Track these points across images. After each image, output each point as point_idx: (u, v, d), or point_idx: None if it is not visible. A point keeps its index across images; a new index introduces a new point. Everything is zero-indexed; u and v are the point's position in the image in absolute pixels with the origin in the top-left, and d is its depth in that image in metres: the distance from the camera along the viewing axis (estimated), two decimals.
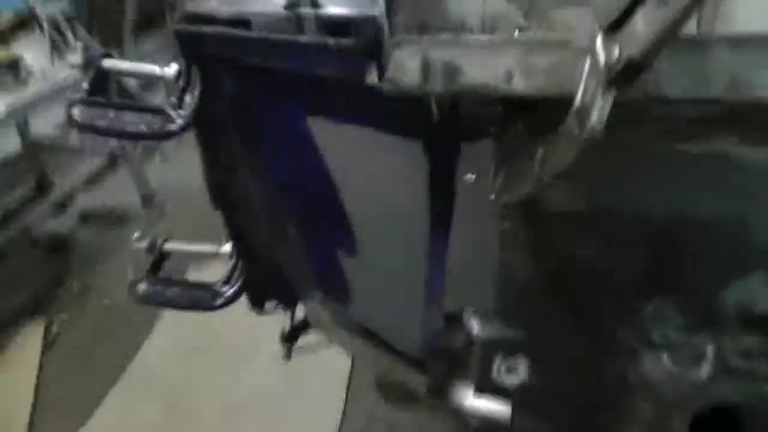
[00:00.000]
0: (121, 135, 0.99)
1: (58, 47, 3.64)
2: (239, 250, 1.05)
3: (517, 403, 1.04)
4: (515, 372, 1.02)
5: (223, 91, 0.91)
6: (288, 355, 1.34)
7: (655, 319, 0.94)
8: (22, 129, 3.77)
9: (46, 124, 4.07)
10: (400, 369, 1.14)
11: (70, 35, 3.86)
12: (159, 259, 1.07)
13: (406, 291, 1.02)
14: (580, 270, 0.93)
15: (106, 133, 0.98)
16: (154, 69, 0.96)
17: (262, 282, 1.10)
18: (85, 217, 3.80)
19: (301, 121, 0.91)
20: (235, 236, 1.04)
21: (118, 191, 4.04)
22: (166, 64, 0.94)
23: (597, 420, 1.03)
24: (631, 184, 0.85)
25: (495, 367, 1.02)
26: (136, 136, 0.93)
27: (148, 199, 3.86)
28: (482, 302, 1.00)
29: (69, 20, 4.06)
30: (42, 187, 3.95)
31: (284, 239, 1.02)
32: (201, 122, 0.94)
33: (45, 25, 3.50)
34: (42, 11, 3.73)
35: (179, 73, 0.86)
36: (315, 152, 0.93)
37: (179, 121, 0.83)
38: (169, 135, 0.84)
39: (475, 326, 1.00)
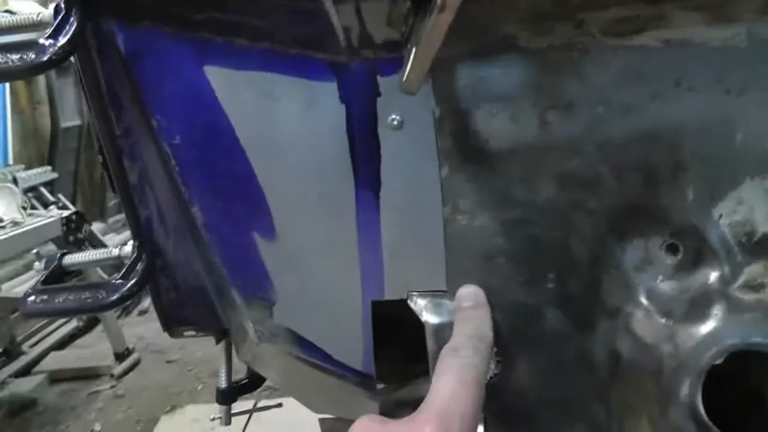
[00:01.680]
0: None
1: (32, 205, 3.62)
2: (142, 247, 0.88)
3: (487, 406, 0.82)
4: None
5: (111, 40, 0.80)
6: (227, 420, 1.11)
7: (640, 266, 0.77)
8: None
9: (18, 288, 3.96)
10: (343, 395, 0.93)
11: (47, 195, 3.88)
12: (55, 272, 0.91)
13: (337, 277, 0.85)
14: (543, 219, 0.77)
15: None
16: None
17: (171, 290, 0.92)
18: (54, 378, 3.57)
19: (199, 72, 0.80)
20: (137, 229, 0.89)
21: (91, 350, 3.89)
22: None
23: (589, 417, 0.81)
24: (583, 101, 0.73)
25: None
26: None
27: (122, 357, 3.66)
28: (430, 281, 0.82)
29: (48, 184, 4.11)
30: (10, 353, 3.76)
31: (192, 228, 0.86)
32: (90, 84, 0.83)
33: (19, 188, 3.49)
34: (23, 183, 3.78)
35: (56, 9, 0.76)
36: (217, 112, 0.81)
37: (51, 50, 0.71)
38: (40, 67, 0.72)
39: (423, 312, 0.82)
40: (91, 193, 5.88)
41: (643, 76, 0.72)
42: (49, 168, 4.69)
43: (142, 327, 4.20)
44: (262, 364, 0.98)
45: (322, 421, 1.11)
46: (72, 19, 0.75)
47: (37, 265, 0.97)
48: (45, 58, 0.74)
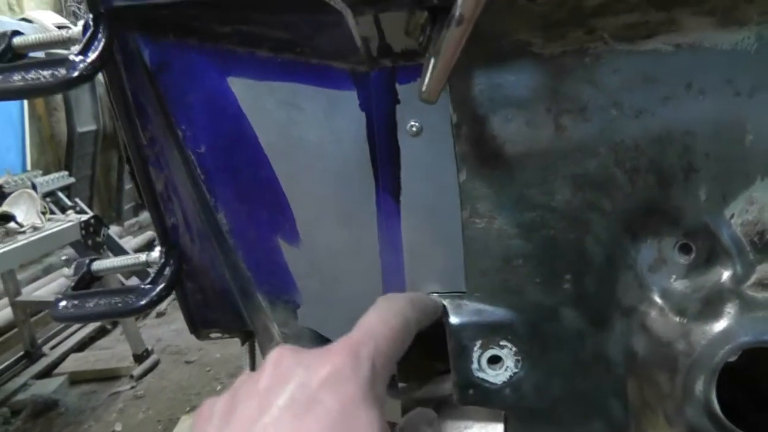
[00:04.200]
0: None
1: (50, 209, 3.66)
2: (169, 252, 0.91)
3: (508, 404, 0.85)
4: (500, 365, 0.85)
5: (136, 54, 0.83)
6: None
7: (654, 266, 0.79)
8: (12, 293, 3.70)
9: (38, 292, 4.02)
10: None
11: (65, 200, 3.94)
12: (84, 278, 0.93)
13: (359, 280, 0.87)
14: (559, 221, 0.79)
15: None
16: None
17: (197, 293, 0.95)
18: (75, 379, 3.62)
19: (223, 82, 0.82)
20: (164, 235, 0.91)
21: (110, 351, 3.94)
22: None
23: (607, 414, 0.83)
24: (596, 105, 0.75)
25: (474, 358, 0.84)
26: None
27: (142, 358, 3.71)
28: (450, 282, 0.85)
29: (65, 189, 4.17)
30: (31, 355, 3.81)
31: (217, 234, 0.89)
32: (117, 96, 0.86)
33: (38, 194, 3.54)
34: (41, 189, 3.83)
35: (85, 26, 0.78)
36: (241, 121, 0.84)
37: (81, 66, 0.74)
38: (71, 83, 0.75)
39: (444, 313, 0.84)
40: (108, 196, 5.95)
41: (654, 79, 0.73)
42: (66, 173, 4.75)
43: (161, 329, 4.25)
44: None
45: None
46: (100, 35, 0.78)
47: (66, 270, 0.99)
48: (76, 74, 0.76)
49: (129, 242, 5.09)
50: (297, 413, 0.50)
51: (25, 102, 5.00)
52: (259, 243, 0.88)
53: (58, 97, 5.38)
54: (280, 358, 0.58)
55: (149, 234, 5.63)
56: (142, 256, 0.94)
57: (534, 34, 0.73)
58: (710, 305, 0.74)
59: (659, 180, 0.76)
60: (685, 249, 0.78)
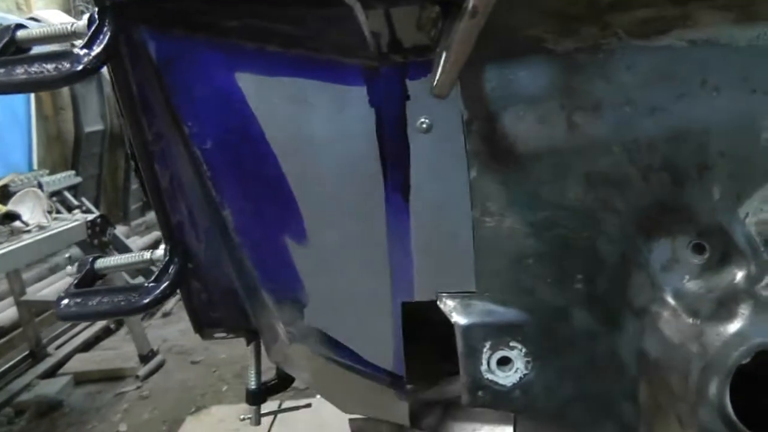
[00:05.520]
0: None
1: (56, 209, 3.66)
2: (174, 250, 0.90)
3: (518, 406, 0.83)
4: (510, 367, 0.83)
5: (142, 48, 0.82)
6: (257, 420, 1.13)
7: (667, 266, 0.78)
8: (17, 293, 3.70)
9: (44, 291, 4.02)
10: (373, 396, 0.94)
11: (71, 199, 3.94)
12: (87, 276, 0.92)
13: (368, 279, 0.86)
14: (571, 220, 0.78)
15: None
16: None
17: (202, 292, 0.94)
18: (79, 379, 3.61)
19: (230, 78, 0.81)
20: (169, 233, 0.90)
21: (116, 351, 3.93)
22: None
23: (618, 416, 0.82)
24: (610, 102, 0.74)
25: (484, 359, 0.83)
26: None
27: (147, 358, 3.70)
28: (459, 281, 0.84)
29: (72, 188, 4.17)
30: (36, 355, 3.81)
31: (222, 232, 0.88)
32: (122, 91, 0.85)
33: (44, 193, 3.54)
34: (47, 188, 3.83)
35: (90, 19, 0.77)
36: (248, 117, 0.82)
37: (86, 60, 0.73)
38: (75, 76, 0.74)
39: (453, 313, 0.83)
40: (114, 196, 5.96)
41: (668, 76, 0.72)
42: (72, 172, 4.74)
43: (166, 329, 4.25)
44: (293, 364, 1.00)
45: (351, 420, 1.13)
46: (105, 28, 0.77)
47: (69, 268, 0.97)
48: (80, 68, 0.75)
49: (136, 242, 5.09)
50: None
51: (32, 101, 5.01)
52: (265, 241, 0.87)
53: (66, 96, 5.39)
54: None
55: (156, 234, 5.62)
56: (147, 254, 0.93)
57: (547, 29, 0.72)
58: (724, 306, 0.73)
59: (673, 178, 0.75)
60: (698, 248, 0.76)
